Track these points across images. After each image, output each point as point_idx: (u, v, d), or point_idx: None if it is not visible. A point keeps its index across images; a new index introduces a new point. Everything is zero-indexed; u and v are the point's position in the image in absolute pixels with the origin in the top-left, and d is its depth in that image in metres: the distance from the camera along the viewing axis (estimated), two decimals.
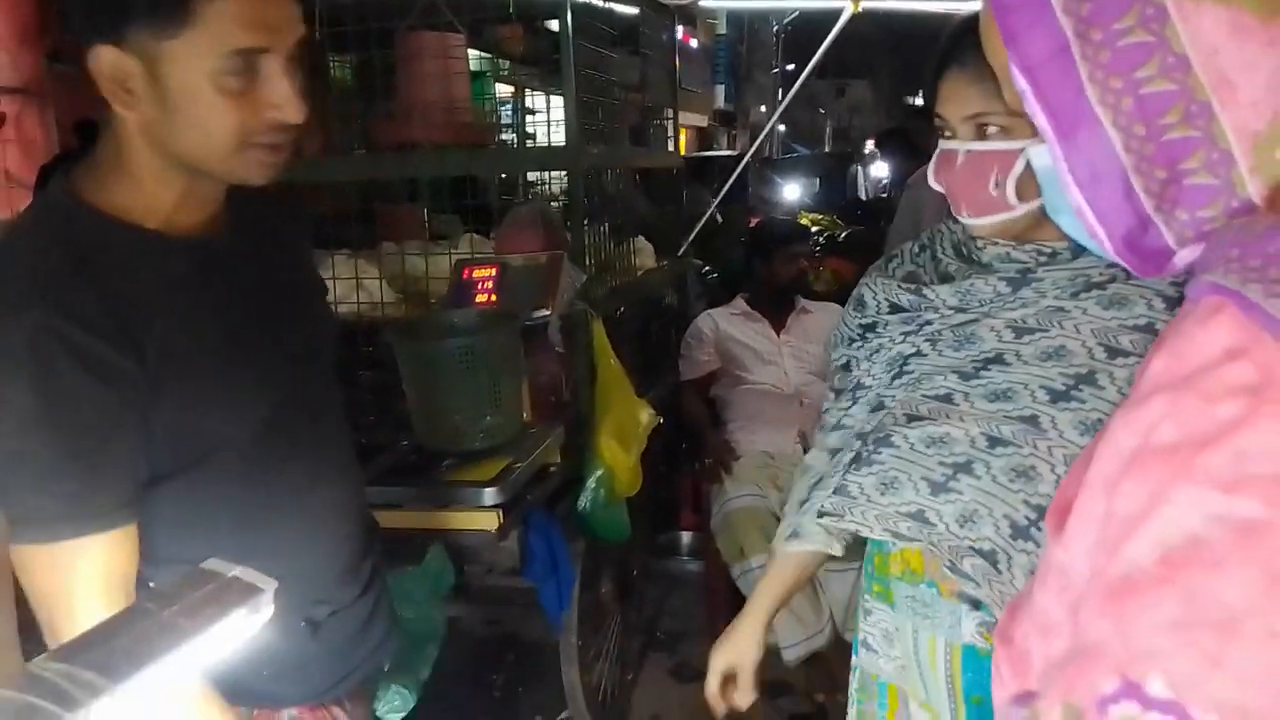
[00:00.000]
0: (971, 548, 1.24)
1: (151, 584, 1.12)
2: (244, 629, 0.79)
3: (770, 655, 1.53)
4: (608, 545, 2.53)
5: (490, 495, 1.88)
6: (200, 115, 0.99)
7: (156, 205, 1.07)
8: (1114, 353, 1.21)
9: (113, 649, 0.71)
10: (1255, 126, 0.53)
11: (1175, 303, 1.20)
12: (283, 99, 1.02)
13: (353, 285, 2.47)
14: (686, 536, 3.65)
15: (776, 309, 3.23)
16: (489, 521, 1.89)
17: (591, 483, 2.27)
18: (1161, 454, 0.52)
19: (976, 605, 1.28)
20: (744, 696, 1.47)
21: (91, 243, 1.04)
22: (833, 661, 2.57)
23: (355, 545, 1.31)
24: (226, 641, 0.78)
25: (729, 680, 1.46)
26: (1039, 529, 1.21)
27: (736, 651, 1.47)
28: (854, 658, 1.47)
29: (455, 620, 2.76)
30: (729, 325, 3.23)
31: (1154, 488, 0.51)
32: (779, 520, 1.48)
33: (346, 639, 1.30)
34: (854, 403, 1.43)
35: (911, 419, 1.31)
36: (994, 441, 1.24)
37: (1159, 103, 0.55)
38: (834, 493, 1.36)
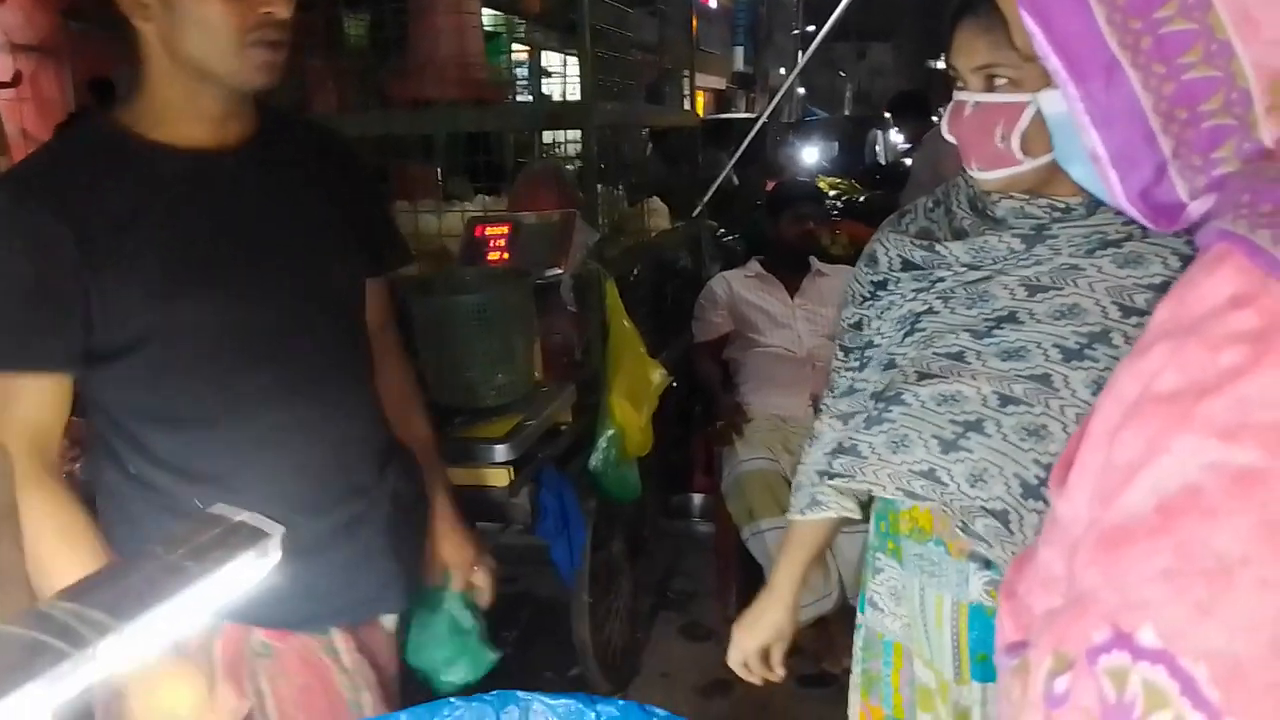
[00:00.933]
0: (983, 507, 1.23)
1: (131, 468, 1.27)
2: (251, 573, 0.80)
3: None
4: (619, 504, 2.55)
5: (502, 452, 1.89)
6: (203, 16, 1.16)
7: (170, 117, 1.23)
8: (1129, 311, 1.20)
9: (121, 590, 0.72)
10: (1276, 64, 0.52)
11: (1192, 261, 1.19)
12: None
13: None
14: (697, 499, 3.66)
15: (790, 271, 3.21)
16: (500, 478, 1.90)
17: (603, 442, 2.28)
18: (1161, 402, 0.51)
19: (987, 565, 1.28)
20: (777, 672, 1.48)
21: (92, 146, 1.24)
22: (833, 626, 2.58)
23: (333, 475, 1.33)
24: (233, 585, 0.79)
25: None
26: (1047, 487, 1.20)
27: (770, 629, 1.47)
28: (859, 616, 1.47)
29: None
30: (742, 287, 3.21)
31: (1153, 436, 0.51)
32: (789, 484, 1.48)
33: (317, 572, 1.31)
34: (864, 363, 1.42)
35: (922, 377, 1.30)
36: (1005, 400, 1.24)
37: (1179, 42, 0.53)
38: (845, 453, 1.36)
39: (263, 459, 1.28)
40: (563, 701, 1.56)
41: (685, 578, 3.44)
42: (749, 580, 3.02)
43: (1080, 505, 0.59)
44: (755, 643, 1.46)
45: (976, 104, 1.16)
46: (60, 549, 1.19)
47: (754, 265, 3.28)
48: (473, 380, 2.02)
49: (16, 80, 4.65)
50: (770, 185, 5.07)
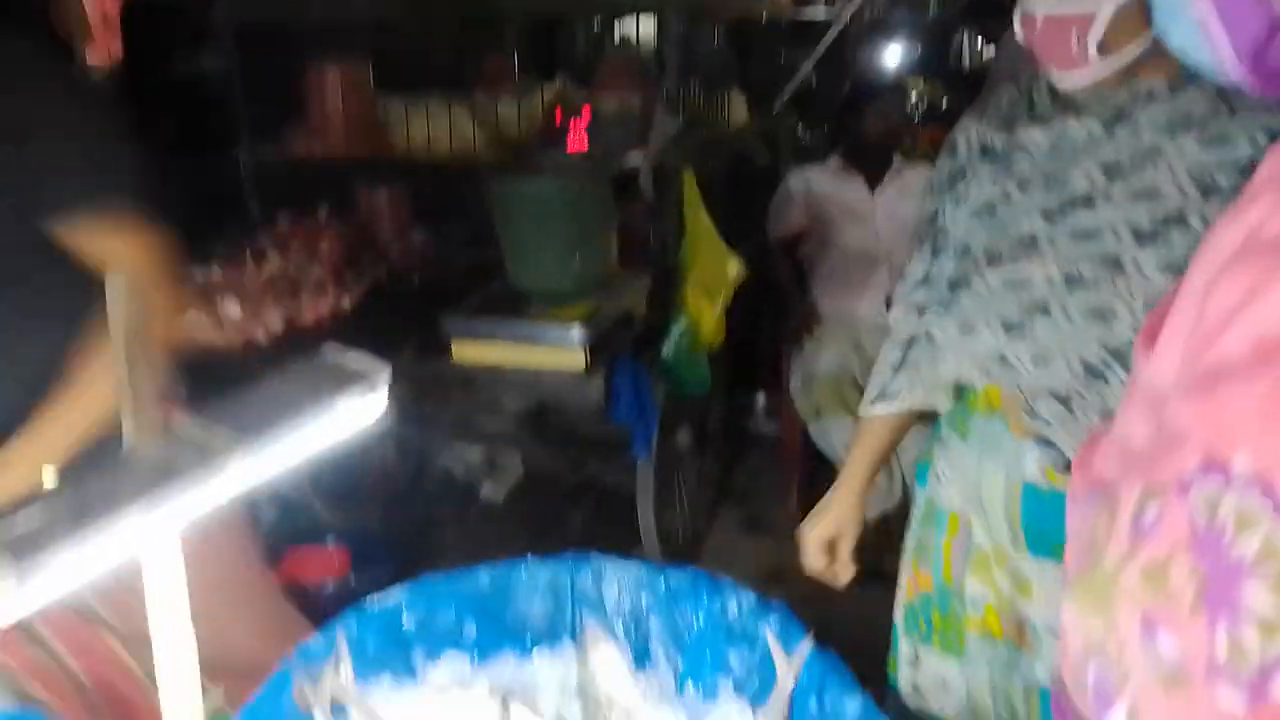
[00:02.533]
0: (1047, 390, 1.24)
1: None
2: (360, 412, 0.85)
3: None
4: (687, 397, 2.58)
5: (577, 335, 1.93)
6: None
7: None
8: (1208, 191, 1.18)
9: (244, 415, 0.77)
10: None
11: None
12: None
13: (446, 128, 2.48)
14: (762, 398, 3.68)
15: (872, 167, 3.14)
16: (576, 361, 1.94)
17: (676, 332, 2.30)
18: (1267, 247, 0.51)
19: (1047, 444, 1.28)
20: (845, 569, 1.48)
21: None
22: (895, 524, 2.60)
23: None
24: (343, 421, 0.84)
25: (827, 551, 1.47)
26: (1113, 370, 1.21)
27: (837, 524, 1.47)
28: (918, 491, 1.49)
29: (537, 462, 2.87)
30: (821, 184, 3.15)
31: (1255, 280, 0.51)
32: (858, 385, 1.50)
33: None
34: (938, 253, 1.42)
35: (992, 261, 1.30)
36: (1072, 282, 1.23)
37: None
38: (918, 343, 1.37)
39: None
40: (635, 567, 1.63)
41: (747, 475, 3.49)
42: (812, 479, 3.06)
43: (1169, 363, 0.59)
44: (823, 534, 1.48)
45: (1046, 16, 1.17)
46: None
47: (834, 161, 3.21)
48: (550, 266, 2.05)
49: None
50: (851, 84, 4.91)
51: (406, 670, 1.52)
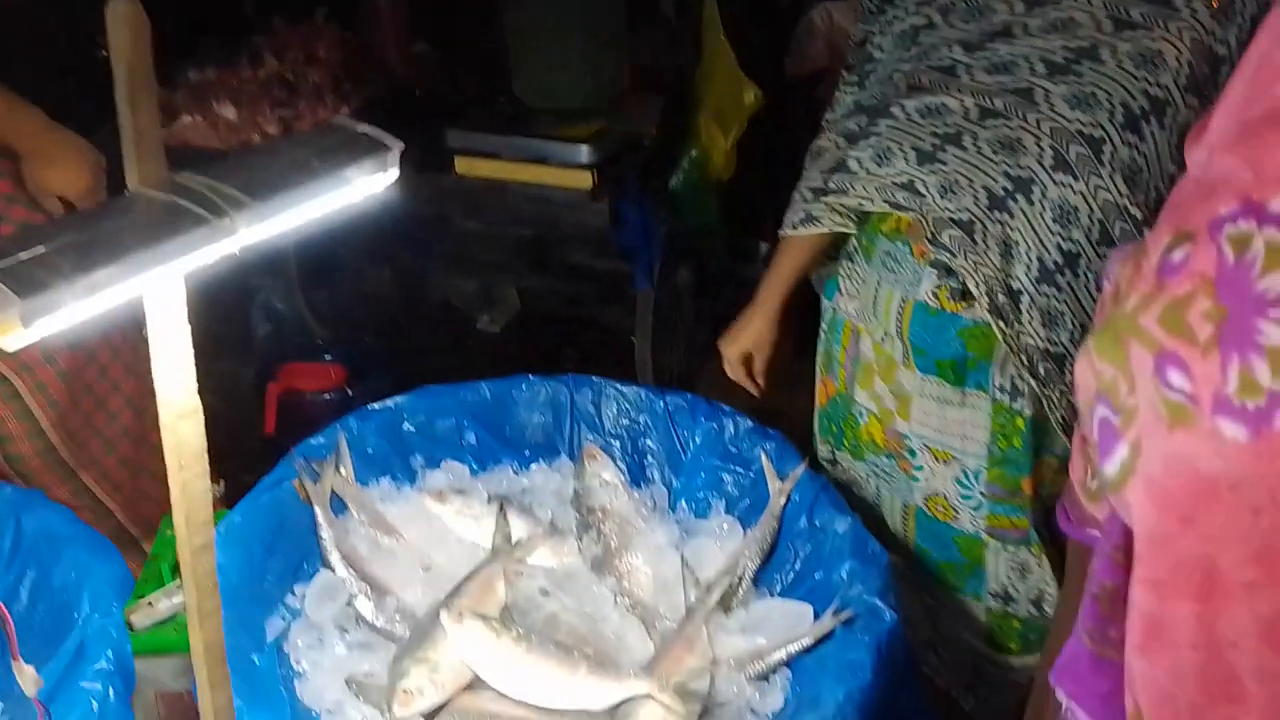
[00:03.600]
0: (951, 219, 1.31)
1: None
2: (372, 183, 0.81)
3: None
4: (693, 231, 2.54)
5: (585, 153, 1.87)
6: None
7: None
8: (1121, 25, 1.26)
9: (252, 173, 0.73)
10: None
11: None
12: None
13: None
14: (764, 247, 3.63)
15: None
16: (582, 180, 1.89)
17: (685, 163, 2.24)
18: None
19: (947, 271, 1.35)
20: (763, 380, 1.59)
21: None
22: None
23: None
24: (352, 189, 0.80)
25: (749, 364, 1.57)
26: (1015, 201, 1.30)
27: (753, 340, 1.57)
28: (825, 303, 1.56)
29: (536, 296, 2.85)
30: (844, 19, 3.00)
31: None
32: None
33: None
34: (864, 80, 1.49)
35: (912, 89, 1.37)
36: (985, 113, 1.31)
37: None
38: (837, 171, 1.41)
39: None
40: (634, 389, 1.64)
41: None
42: (810, 325, 3.06)
43: (1218, 138, 0.57)
44: (740, 349, 1.58)
45: None
46: None
47: None
48: (559, 80, 1.97)
49: None
50: None
51: (406, 475, 1.55)
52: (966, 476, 1.44)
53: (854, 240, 1.48)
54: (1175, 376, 0.51)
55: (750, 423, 1.55)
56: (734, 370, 1.59)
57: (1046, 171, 1.29)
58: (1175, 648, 0.55)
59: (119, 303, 0.60)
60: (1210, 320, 0.50)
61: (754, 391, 1.61)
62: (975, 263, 1.30)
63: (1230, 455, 0.49)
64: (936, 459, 1.45)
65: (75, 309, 0.60)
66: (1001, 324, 1.31)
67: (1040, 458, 1.41)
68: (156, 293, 0.67)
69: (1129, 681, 0.60)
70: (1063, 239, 1.30)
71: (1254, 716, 0.54)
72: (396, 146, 0.81)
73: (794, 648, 1.25)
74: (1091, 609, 0.68)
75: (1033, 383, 1.33)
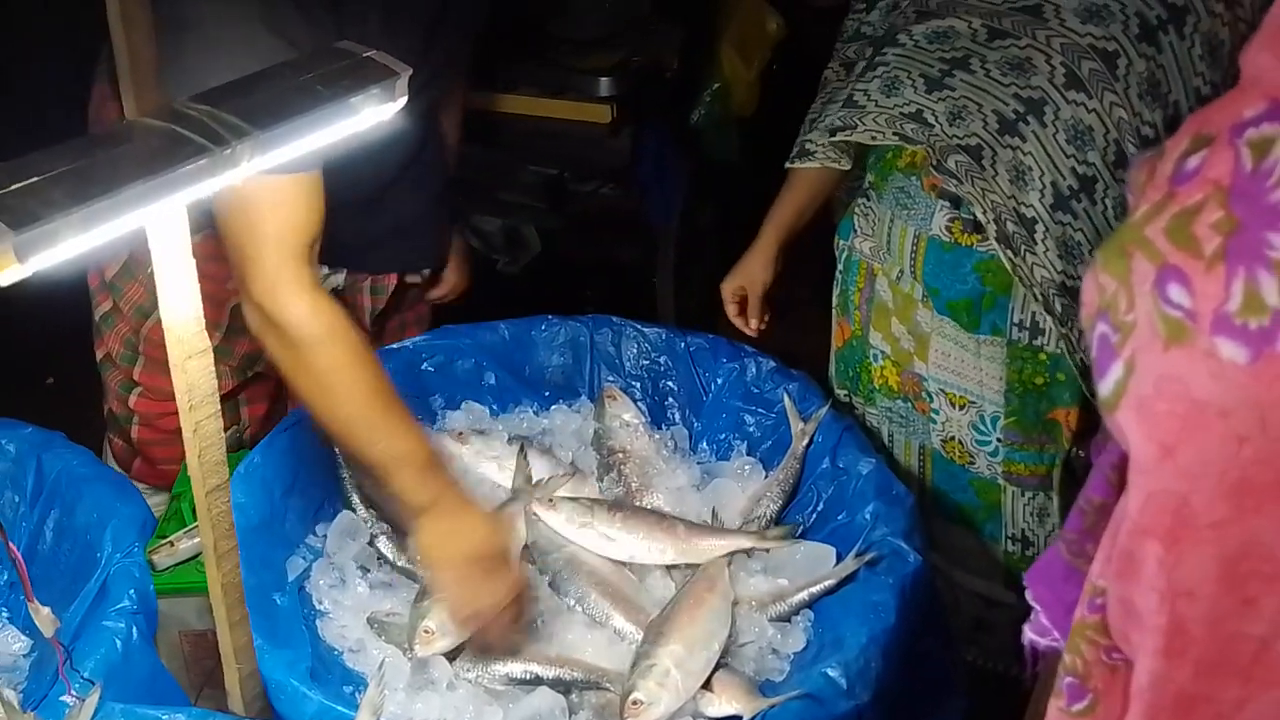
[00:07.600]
0: (959, 145, 1.27)
1: None
2: (377, 110, 0.78)
3: None
4: (714, 168, 2.48)
5: (605, 85, 1.82)
6: None
7: None
8: None
9: (254, 100, 0.70)
10: None
11: None
12: None
13: None
14: None
15: None
16: (601, 114, 1.84)
17: (707, 96, 2.17)
18: None
19: (956, 204, 1.31)
20: (754, 319, 1.56)
21: None
22: None
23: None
24: (359, 118, 0.77)
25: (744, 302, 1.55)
26: (1025, 123, 1.25)
27: (746, 277, 1.54)
28: (840, 243, 1.53)
29: (556, 238, 2.81)
30: None
31: None
32: None
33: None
34: (871, 5, 1.45)
35: (920, 15, 1.33)
36: (994, 34, 1.27)
37: None
38: (843, 105, 1.36)
39: None
40: (654, 329, 1.61)
41: None
42: (827, 262, 3.00)
43: (1260, 34, 0.53)
44: (733, 286, 1.55)
45: None
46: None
47: None
48: (578, 7, 1.90)
49: None
50: None
51: (425, 416, 1.54)
52: (983, 421, 1.41)
53: (867, 177, 1.44)
54: (1175, 291, 0.48)
55: (773, 363, 1.52)
56: (727, 306, 1.57)
57: (1058, 90, 1.24)
58: (1139, 580, 0.54)
59: (118, 235, 0.58)
60: (1219, 231, 0.47)
61: (745, 330, 1.58)
62: (982, 189, 1.25)
63: (1226, 377, 0.46)
64: (953, 405, 1.42)
65: (73, 243, 0.58)
66: (1010, 253, 1.26)
67: (1062, 401, 1.38)
68: (157, 226, 0.65)
69: (1108, 599, 0.59)
70: (1078, 161, 1.25)
71: (1189, 668, 0.52)
72: (405, 72, 0.77)
73: (816, 589, 1.24)
74: (1075, 520, 0.67)
75: (1050, 320, 1.28)
